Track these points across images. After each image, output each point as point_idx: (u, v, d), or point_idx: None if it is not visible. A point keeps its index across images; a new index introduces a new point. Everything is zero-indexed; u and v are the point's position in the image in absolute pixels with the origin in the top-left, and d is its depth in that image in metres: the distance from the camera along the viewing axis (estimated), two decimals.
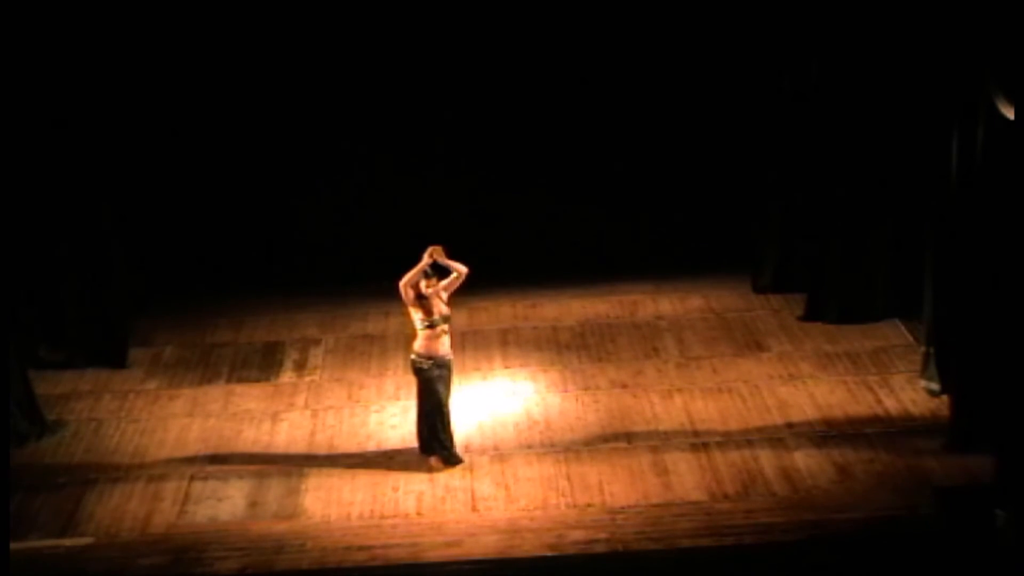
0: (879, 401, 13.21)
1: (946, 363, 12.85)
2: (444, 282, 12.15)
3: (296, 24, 15.43)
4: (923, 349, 13.51)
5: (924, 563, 10.55)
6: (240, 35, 15.36)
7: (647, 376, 13.93)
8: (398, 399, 13.53)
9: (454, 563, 10.85)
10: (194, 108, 15.61)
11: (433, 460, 12.20)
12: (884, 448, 12.31)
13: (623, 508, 11.57)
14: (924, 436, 12.46)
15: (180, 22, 15.18)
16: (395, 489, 12.00)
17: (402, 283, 11.94)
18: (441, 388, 12.15)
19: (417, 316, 12.03)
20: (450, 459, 12.23)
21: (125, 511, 11.82)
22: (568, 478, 12.07)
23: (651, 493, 11.79)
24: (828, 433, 12.64)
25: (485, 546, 11.06)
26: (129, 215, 14.91)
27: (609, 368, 14.15)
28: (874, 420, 12.86)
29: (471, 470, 12.23)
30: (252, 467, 12.46)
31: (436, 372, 12.10)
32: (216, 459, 12.63)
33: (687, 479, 11.97)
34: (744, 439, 12.58)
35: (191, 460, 12.61)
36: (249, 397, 13.83)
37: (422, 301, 11.98)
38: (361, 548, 11.10)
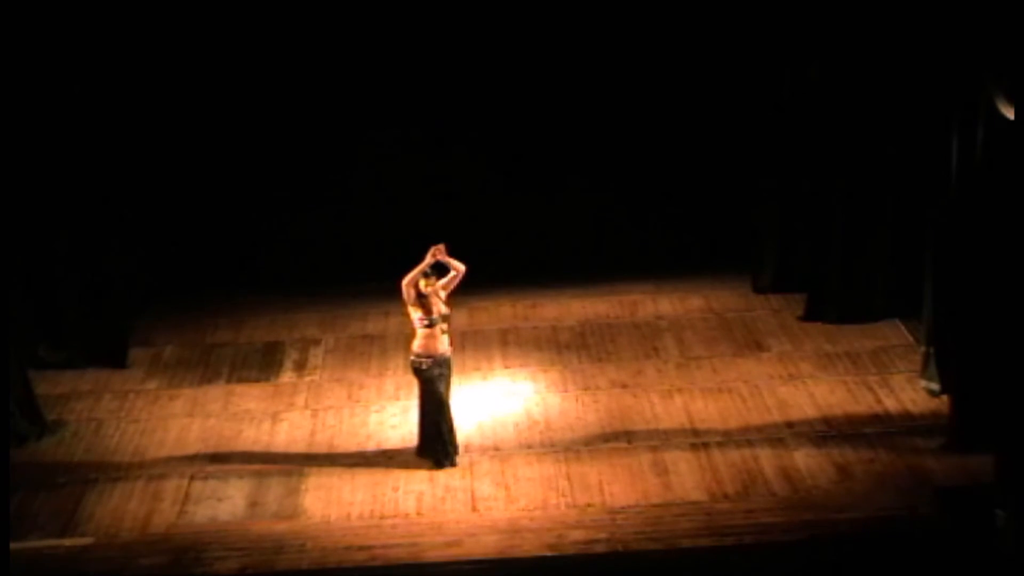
0: (879, 401, 13.21)
1: (946, 363, 12.85)
2: (442, 281, 12.16)
3: (297, 25, 15.42)
4: (923, 349, 13.51)
5: (924, 563, 10.56)
6: (241, 36, 15.35)
7: (647, 376, 13.94)
8: (398, 399, 13.53)
9: (454, 563, 10.85)
10: (195, 108, 15.60)
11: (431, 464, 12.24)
12: (884, 448, 12.31)
13: (623, 508, 11.57)
14: (924, 436, 12.46)
15: (185, 22, 15.17)
16: (395, 489, 12.00)
17: (404, 282, 11.95)
18: (441, 387, 12.17)
19: (416, 315, 12.03)
20: (446, 461, 12.20)
21: (125, 511, 11.82)
22: (568, 478, 12.08)
23: (651, 493, 11.79)
24: (828, 433, 12.64)
25: (485, 546, 11.06)
26: (129, 215, 14.90)
27: (609, 368, 14.15)
28: (874, 420, 12.86)
29: (471, 470, 12.23)
30: (252, 467, 12.46)
31: (436, 371, 12.11)
32: (216, 459, 12.63)
33: (687, 479, 11.97)
34: (744, 439, 12.58)
35: (191, 460, 12.61)
36: (249, 397, 13.83)
37: (421, 300, 11.99)
38: (361, 548, 11.11)
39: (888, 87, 13.95)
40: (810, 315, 15.01)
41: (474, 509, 11.70)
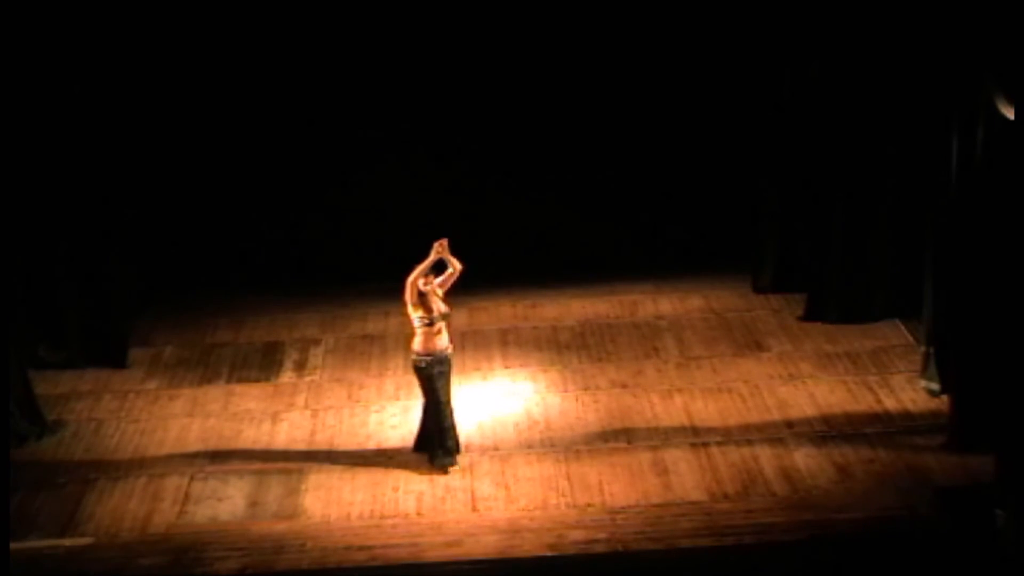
0: (879, 401, 13.21)
1: (946, 363, 12.85)
2: (439, 279, 12.17)
3: (297, 26, 15.42)
4: (923, 349, 13.52)
5: (924, 563, 10.56)
6: (242, 37, 15.35)
7: (647, 376, 13.94)
8: (398, 399, 13.53)
9: (454, 563, 10.85)
10: (195, 108, 15.60)
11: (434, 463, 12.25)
12: (884, 448, 12.31)
13: (623, 508, 11.57)
14: (924, 436, 12.46)
15: (185, 22, 15.17)
16: (395, 489, 12.00)
17: (410, 279, 11.94)
18: (442, 385, 12.18)
19: (417, 314, 12.03)
20: (443, 461, 12.20)
21: (125, 511, 11.82)
22: (568, 478, 12.08)
23: (651, 493, 11.79)
24: (828, 433, 12.64)
25: (485, 546, 11.07)
26: (129, 215, 14.90)
27: (609, 368, 14.15)
28: (874, 420, 12.86)
29: (471, 470, 12.23)
30: (252, 467, 12.46)
31: (437, 369, 12.12)
32: (216, 459, 12.63)
33: (687, 479, 11.97)
34: (744, 439, 12.58)
35: (191, 460, 12.61)
36: (249, 397, 13.83)
37: (421, 298, 12.00)
38: (361, 548, 11.11)
39: (888, 87, 13.95)
40: (810, 315, 15.01)
41: (474, 509, 11.70)
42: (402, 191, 16.12)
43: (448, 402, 12.28)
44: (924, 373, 13.37)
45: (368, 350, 14.78)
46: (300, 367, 14.48)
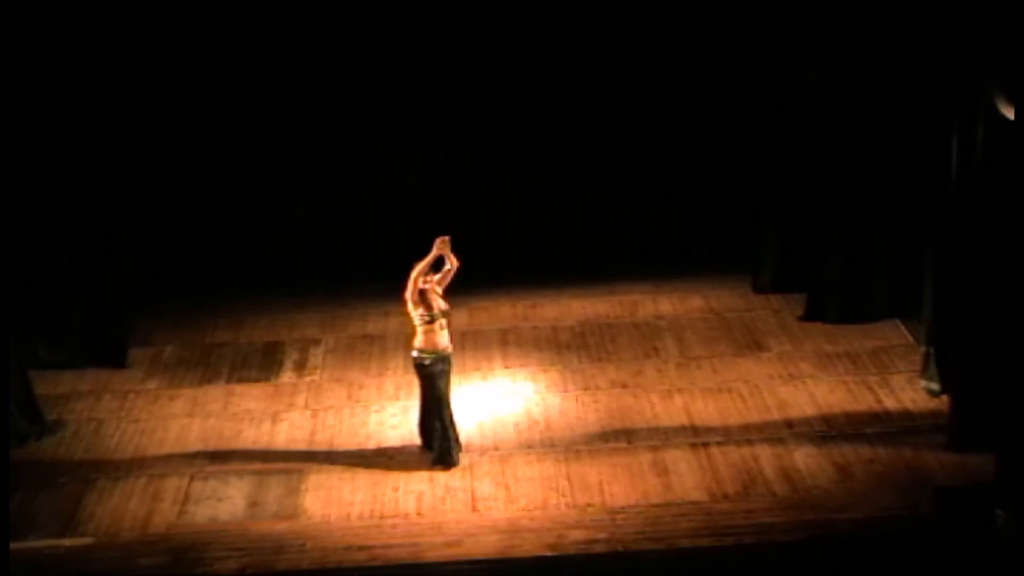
0: (879, 401, 13.21)
1: (946, 363, 12.85)
2: (437, 276, 12.18)
3: (297, 26, 15.43)
4: (923, 349, 13.51)
5: (924, 563, 10.56)
6: (242, 37, 15.35)
7: (647, 376, 13.94)
8: (398, 399, 13.53)
9: (454, 563, 10.85)
10: (195, 107, 15.60)
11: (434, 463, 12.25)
12: (884, 448, 12.31)
13: (623, 508, 11.57)
14: (924, 436, 12.46)
15: (185, 22, 15.17)
16: (395, 489, 12.00)
17: (414, 274, 11.95)
18: (443, 383, 12.19)
19: (417, 312, 12.04)
20: (445, 459, 12.21)
21: (125, 511, 11.82)
22: (568, 478, 12.08)
23: (651, 493, 11.79)
24: (828, 433, 12.64)
25: (485, 546, 11.06)
26: (129, 215, 14.90)
27: (609, 368, 14.15)
28: (874, 420, 12.86)
29: (471, 470, 12.23)
30: (252, 467, 12.46)
31: (439, 367, 12.13)
32: (216, 459, 12.62)
33: (687, 479, 11.97)
34: (744, 439, 12.58)
35: (191, 460, 12.61)
36: (249, 397, 13.83)
37: (422, 295, 12.01)
38: (361, 548, 11.11)
39: (888, 87, 13.95)
40: (810, 315, 15.01)
41: (474, 509, 11.70)
42: (402, 191, 16.12)
43: (448, 401, 12.29)
44: (924, 373, 13.37)
45: (368, 350, 14.78)
46: (300, 367, 14.48)
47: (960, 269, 12.25)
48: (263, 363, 14.58)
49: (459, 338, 13.96)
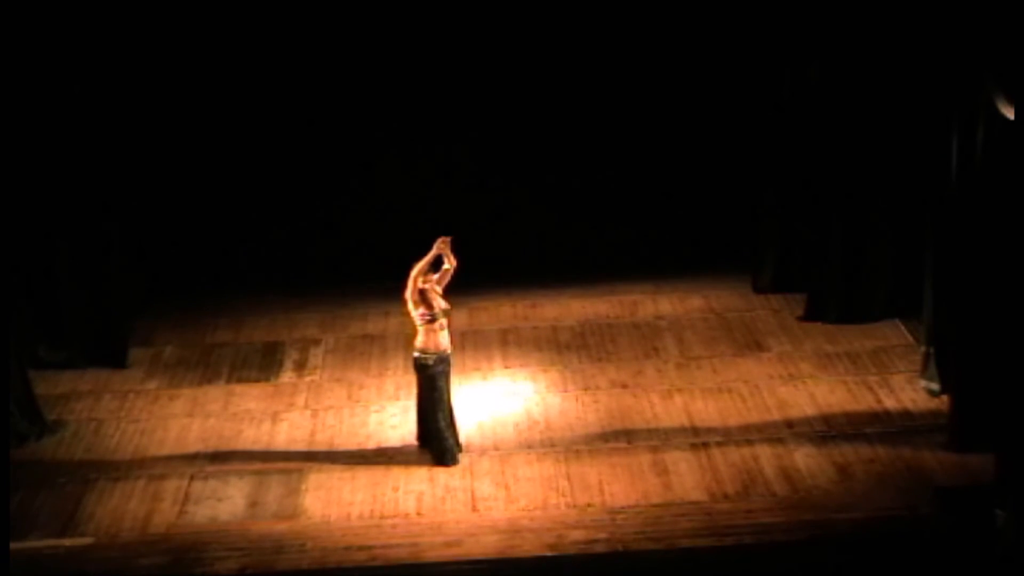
0: (879, 401, 13.21)
1: (946, 363, 12.85)
2: (436, 276, 12.19)
3: (297, 26, 15.43)
4: (923, 349, 13.51)
5: (924, 563, 10.56)
6: (242, 36, 15.35)
7: (647, 376, 13.94)
8: (398, 399, 13.53)
9: (454, 563, 10.85)
10: (195, 108, 15.60)
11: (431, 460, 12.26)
12: (884, 448, 12.31)
13: (623, 508, 11.57)
14: (924, 436, 12.46)
15: (186, 22, 15.17)
16: (395, 489, 12.01)
17: (414, 273, 11.96)
18: (443, 383, 12.20)
19: (418, 312, 12.04)
20: (446, 458, 12.22)
21: (125, 511, 11.82)
22: (568, 478, 12.08)
23: (651, 493, 11.79)
24: (828, 433, 12.64)
25: (485, 546, 11.07)
26: (129, 215, 14.90)
27: (609, 368, 14.15)
28: (874, 420, 12.86)
29: (471, 470, 12.23)
30: (252, 467, 12.46)
31: (439, 368, 12.15)
32: (216, 459, 12.62)
33: (687, 479, 11.97)
34: (744, 439, 12.58)
35: (191, 460, 12.61)
36: (249, 397, 13.83)
37: (422, 295, 12.02)
38: (361, 548, 11.11)
39: (888, 87, 13.95)
40: (810, 315, 15.01)
41: (474, 509, 11.70)
42: (402, 191, 16.12)
43: (448, 401, 12.29)
44: (924, 373, 13.37)
45: (368, 350, 14.78)
46: (300, 367, 14.48)
47: (960, 269, 12.25)
48: (263, 363, 14.58)
49: (459, 338, 13.98)
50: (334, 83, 15.74)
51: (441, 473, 12.15)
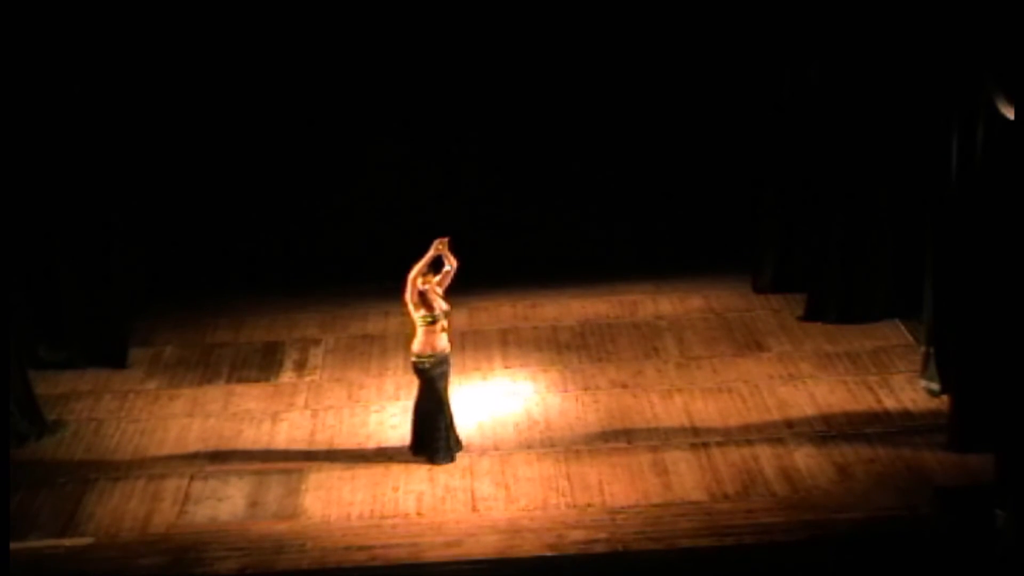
0: (879, 401, 13.21)
1: (946, 363, 12.85)
2: (437, 277, 12.18)
3: (297, 25, 15.43)
4: (923, 349, 13.51)
5: (924, 563, 10.56)
6: (242, 36, 15.36)
7: (647, 376, 13.94)
8: (398, 399, 13.52)
9: (454, 563, 10.85)
10: (195, 107, 15.61)
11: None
12: (884, 448, 12.31)
13: (623, 508, 11.57)
14: (924, 436, 12.46)
15: (186, 22, 15.18)
16: (395, 489, 12.00)
17: (411, 275, 11.96)
18: (443, 385, 12.20)
19: (418, 313, 12.04)
20: (439, 457, 12.21)
21: (125, 511, 11.82)
22: (568, 478, 12.07)
23: (651, 493, 11.79)
24: (828, 433, 12.64)
25: (485, 546, 11.06)
26: (130, 215, 14.90)
27: (609, 368, 14.15)
28: (874, 420, 12.86)
29: (471, 470, 12.23)
30: (252, 467, 12.46)
31: (439, 369, 12.14)
32: (216, 459, 12.62)
33: (687, 479, 11.97)
34: (744, 439, 12.58)
35: (191, 460, 12.61)
36: (249, 397, 13.83)
37: (421, 296, 12.01)
38: (361, 548, 11.11)
39: (888, 87, 13.95)
40: (810, 315, 15.01)
41: (474, 509, 11.70)
42: (402, 191, 16.13)
43: (448, 401, 12.29)
44: (924, 373, 13.37)
45: (368, 350, 14.78)
46: (300, 367, 14.48)
47: (960, 269, 12.25)
48: (263, 363, 14.58)
49: (459, 338, 13.99)
50: (334, 83, 15.75)
51: (441, 473, 12.15)
